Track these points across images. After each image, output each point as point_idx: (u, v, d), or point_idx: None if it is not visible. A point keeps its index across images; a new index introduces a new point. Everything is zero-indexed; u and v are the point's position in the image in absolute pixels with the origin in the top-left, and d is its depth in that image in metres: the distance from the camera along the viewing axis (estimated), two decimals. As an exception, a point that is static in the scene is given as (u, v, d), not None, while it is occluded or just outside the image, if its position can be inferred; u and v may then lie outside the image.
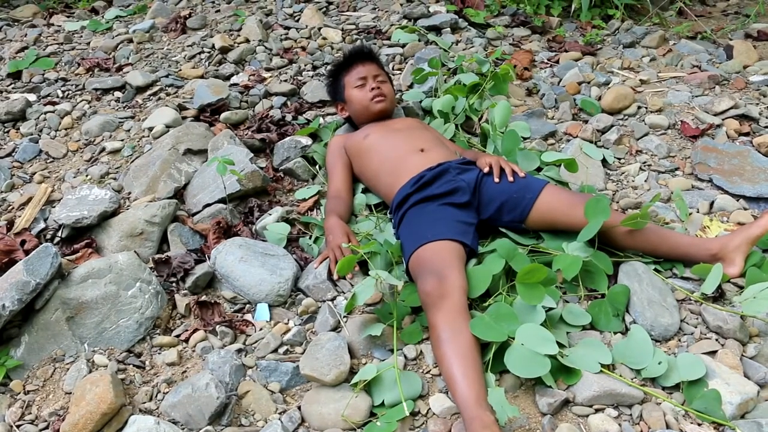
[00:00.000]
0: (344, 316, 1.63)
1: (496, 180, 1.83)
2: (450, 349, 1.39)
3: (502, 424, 1.27)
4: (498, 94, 2.41)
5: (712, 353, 1.46)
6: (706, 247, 1.67)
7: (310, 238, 1.93)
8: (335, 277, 1.70)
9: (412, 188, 1.85)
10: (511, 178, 1.83)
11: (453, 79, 2.51)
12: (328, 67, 2.50)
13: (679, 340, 1.53)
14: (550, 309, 1.54)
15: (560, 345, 1.43)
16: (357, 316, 1.62)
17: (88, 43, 3.09)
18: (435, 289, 1.48)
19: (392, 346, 1.53)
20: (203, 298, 1.70)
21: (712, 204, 1.98)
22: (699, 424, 1.32)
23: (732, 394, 1.33)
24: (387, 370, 1.44)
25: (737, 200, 1.99)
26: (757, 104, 2.41)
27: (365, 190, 2.12)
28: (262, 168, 2.12)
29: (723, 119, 2.33)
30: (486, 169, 1.87)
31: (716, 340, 1.51)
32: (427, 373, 1.48)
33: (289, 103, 2.52)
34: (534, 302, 1.49)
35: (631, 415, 1.35)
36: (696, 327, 1.55)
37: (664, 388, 1.40)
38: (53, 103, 2.56)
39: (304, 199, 2.09)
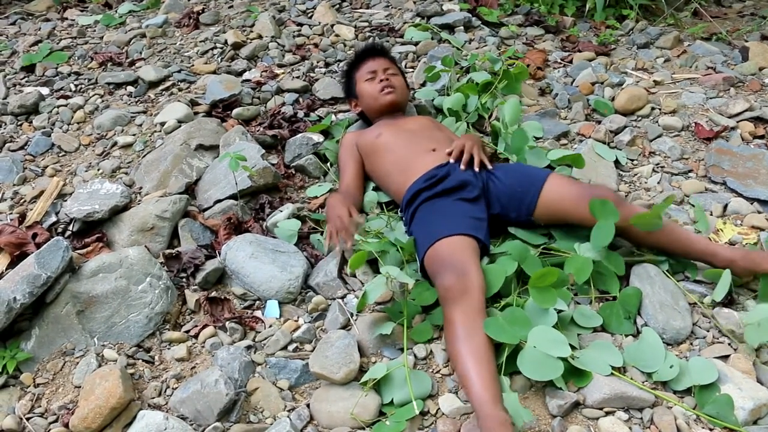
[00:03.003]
0: (354, 315, 1.62)
1: (462, 168, 1.83)
2: (465, 347, 1.38)
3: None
4: (510, 93, 2.40)
5: (725, 357, 1.45)
6: (720, 254, 1.64)
7: (321, 235, 1.92)
8: (344, 254, 1.70)
9: (422, 185, 1.84)
10: (477, 168, 1.83)
11: (466, 78, 2.50)
12: (342, 67, 2.50)
13: (691, 344, 1.52)
14: (561, 311, 1.53)
15: (571, 347, 1.42)
16: (367, 315, 1.62)
17: (101, 38, 3.10)
18: (456, 284, 1.47)
19: (402, 344, 1.52)
20: (213, 294, 1.70)
21: (725, 207, 1.96)
22: (711, 429, 1.31)
23: (744, 399, 1.32)
24: (397, 368, 1.44)
25: (751, 203, 1.97)
26: (773, 106, 2.39)
27: (376, 188, 2.11)
28: (273, 164, 2.12)
29: (738, 121, 2.31)
30: (454, 153, 1.87)
31: (729, 344, 1.50)
32: (437, 372, 1.48)
33: (301, 99, 2.51)
34: (546, 305, 1.49)
35: (641, 418, 1.34)
36: (708, 331, 1.54)
37: (675, 392, 1.39)
38: (66, 97, 2.56)
39: (316, 197, 2.09)
